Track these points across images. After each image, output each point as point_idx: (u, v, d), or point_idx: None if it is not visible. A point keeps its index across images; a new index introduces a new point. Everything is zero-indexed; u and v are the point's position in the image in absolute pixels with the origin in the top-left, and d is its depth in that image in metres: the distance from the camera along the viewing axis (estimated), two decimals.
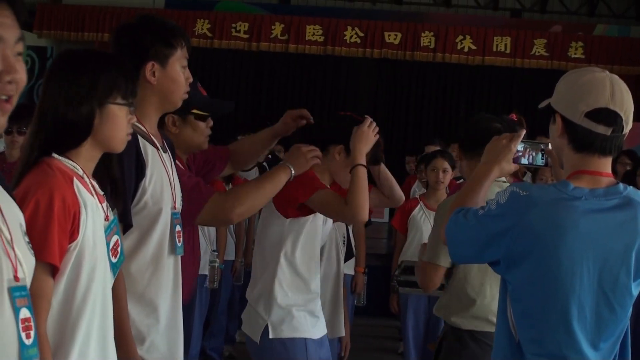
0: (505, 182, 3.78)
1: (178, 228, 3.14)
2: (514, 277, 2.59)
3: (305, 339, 3.84)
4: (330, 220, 4.06)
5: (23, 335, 1.97)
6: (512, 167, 2.95)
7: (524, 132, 2.95)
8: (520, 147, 2.93)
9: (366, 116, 3.81)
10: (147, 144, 3.07)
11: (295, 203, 3.73)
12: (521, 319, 2.58)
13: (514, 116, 4.33)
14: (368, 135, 3.76)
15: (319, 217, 3.90)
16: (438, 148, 7.42)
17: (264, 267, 3.88)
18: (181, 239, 3.17)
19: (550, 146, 2.85)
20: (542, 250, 2.49)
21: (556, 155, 2.73)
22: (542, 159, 2.94)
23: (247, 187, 3.50)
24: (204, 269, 6.07)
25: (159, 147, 3.15)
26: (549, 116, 2.68)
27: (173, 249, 3.12)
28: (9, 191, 2.08)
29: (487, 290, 3.76)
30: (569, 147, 2.60)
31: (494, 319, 3.45)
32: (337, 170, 3.88)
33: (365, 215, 3.64)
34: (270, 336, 3.80)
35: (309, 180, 3.75)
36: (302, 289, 3.87)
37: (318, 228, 3.91)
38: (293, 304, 3.83)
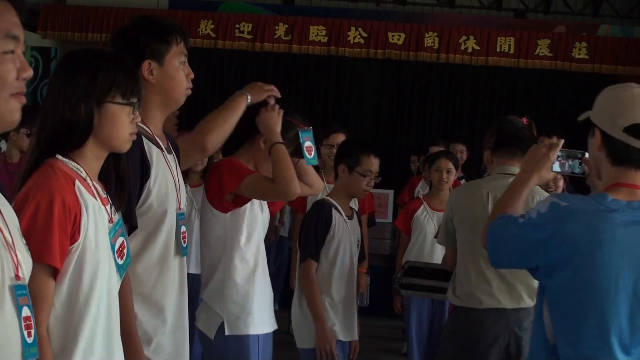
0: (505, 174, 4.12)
1: (183, 229, 3.16)
2: (551, 283, 2.68)
3: (257, 336, 3.90)
4: (266, 210, 4.07)
5: (25, 333, 1.99)
6: (551, 175, 3.07)
7: (562, 141, 3.05)
8: (557, 156, 3.02)
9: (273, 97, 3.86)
10: (152, 145, 3.08)
11: (227, 193, 3.79)
12: (557, 323, 2.66)
13: (524, 120, 4.37)
14: (275, 114, 3.81)
15: (256, 206, 3.94)
16: (442, 148, 7.42)
17: (214, 265, 3.91)
18: (186, 240, 3.18)
19: (587, 155, 2.94)
20: (580, 259, 2.58)
21: (595, 167, 2.81)
22: (579, 168, 3.04)
23: (208, 117, 3.59)
24: None
25: (164, 149, 3.15)
26: (588, 128, 2.76)
27: (179, 249, 3.13)
28: (4, 193, 2.10)
29: (469, 268, 4.12)
30: (607, 160, 2.68)
31: (480, 295, 4.05)
32: (261, 159, 3.91)
33: (295, 188, 3.68)
34: (226, 333, 3.84)
35: (236, 168, 3.83)
36: (255, 281, 3.91)
37: (257, 217, 3.95)
38: (247, 299, 3.87)
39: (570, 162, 3.05)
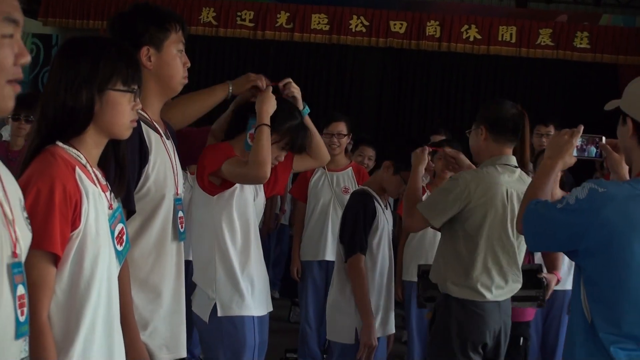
0: (517, 167, 4.23)
1: (181, 214, 3.17)
2: (589, 265, 2.79)
3: (253, 317, 3.91)
4: (261, 195, 4.06)
5: (18, 312, 1.99)
6: (573, 160, 3.21)
7: (582, 127, 3.18)
8: (578, 141, 3.17)
9: (261, 87, 3.84)
10: (150, 130, 3.09)
11: (207, 173, 3.80)
12: (595, 302, 2.78)
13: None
14: (269, 97, 3.79)
15: (247, 190, 3.93)
16: (444, 137, 7.40)
17: (204, 248, 3.93)
18: (184, 225, 3.19)
19: (604, 140, 3.16)
20: (617, 241, 2.69)
21: (625, 154, 2.96)
22: (597, 151, 3.20)
23: (183, 96, 3.58)
24: None
25: (162, 134, 3.16)
26: (605, 115, 2.93)
27: (176, 235, 3.15)
28: (8, 167, 2.10)
29: (477, 263, 4.12)
30: (639, 147, 2.82)
31: (482, 290, 4.10)
32: None
33: (264, 171, 3.64)
34: (219, 314, 3.85)
35: (219, 150, 3.83)
36: (247, 263, 3.91)
37: (247, 201, 3.93)
38: (240, 281, 3.87)
39: (588, 147, 3.18)
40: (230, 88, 3.73)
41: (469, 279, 4.11)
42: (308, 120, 4.03)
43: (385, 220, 4.68)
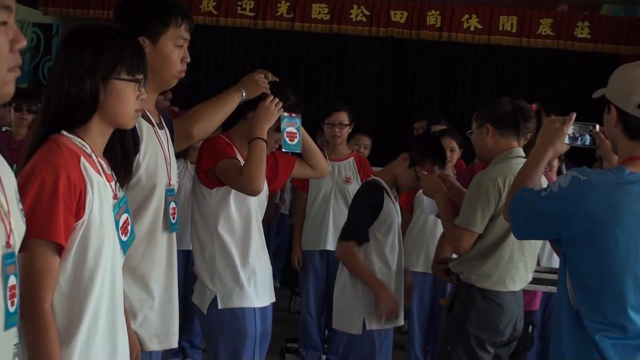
0: (525, 158, 4.13)
1: (173, 205, 3.17)
2: (574, 254, 2.81)
3: (254, 308, 3.91)
4: (265, 187, 4.04)
5: (8, 302, 1.98)
6: (565, 147, 3.22)
7: (574, 115, 3.18)
8: (570, 129, 3.17)
9: (269, 94, 3.84)
10: (143, 120, 3.09)
11: (204, 170, 3.84)
12: (580, 291, 2.79)
13: (534, 107, 4.38)
14: (270, 110, 3.80)
15: None
16: (444, 127, 7.40)
17: (203, 240, 3.93)
18: (176, 216, 3.19)
19: (597, 128, 3.14)
20: (601, 230, 2.70)
21: (611, 142, 2.95)
22: (591, 140, 3.19)
23: (201, 106, 3.61)
24: None
25: (155, 124, 3.16)
26: (603, 105, 2.89)
27: (167, 225, 3.15)
28: (5, 157, 2.09)
29: (505, 254, 4.12)
30: (623, 135, 2.82)
31: (507, 280, 4.11)
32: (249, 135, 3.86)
33: (257, 187, 3.67)
34: (220, 307, 3.86)
35: (216, 148, 3.85)
36: (248, 255, 3.92)
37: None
38: (240, 273, 3.88)
39: (581, 135, 3.18)
40: (244, 94, 3.72)
41: (496, 271, 4.11)
42: (302, 131, 4.06)
43: (394, 212, 4.69)
